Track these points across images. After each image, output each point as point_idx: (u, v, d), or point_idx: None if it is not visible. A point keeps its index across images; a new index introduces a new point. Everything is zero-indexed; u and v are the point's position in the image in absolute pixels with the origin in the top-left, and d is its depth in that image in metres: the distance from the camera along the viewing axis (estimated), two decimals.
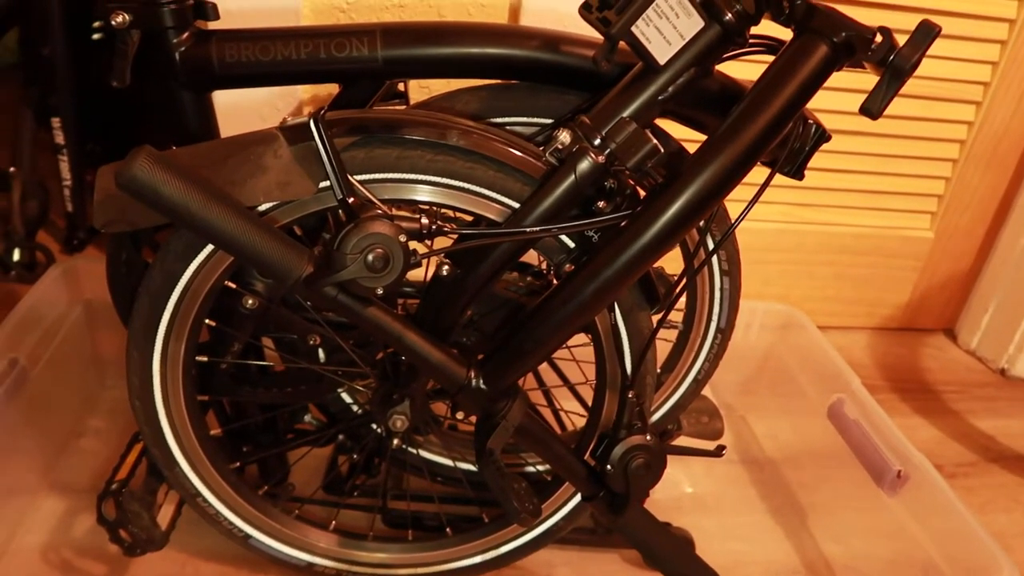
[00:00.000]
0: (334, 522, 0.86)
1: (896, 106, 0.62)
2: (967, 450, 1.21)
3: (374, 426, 0.90)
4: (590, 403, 0.79)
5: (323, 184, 0.64)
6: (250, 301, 0.75)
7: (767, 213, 1.34)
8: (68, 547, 0.87)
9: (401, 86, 0.80)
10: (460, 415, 0.73)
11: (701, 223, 0.79)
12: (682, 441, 0.98)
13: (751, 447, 1.16)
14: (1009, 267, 1.41)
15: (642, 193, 0.67)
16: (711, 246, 0.82)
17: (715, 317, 0.87)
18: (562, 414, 0.97)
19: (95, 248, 1.40)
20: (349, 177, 0.62)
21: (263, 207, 0.65)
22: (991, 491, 1.13)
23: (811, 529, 1.02)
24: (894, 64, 0.58)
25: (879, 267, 1.44)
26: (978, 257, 1.47)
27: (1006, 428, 1.27)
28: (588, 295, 0.66)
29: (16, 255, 1.28)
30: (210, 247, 0.67)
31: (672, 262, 0.78)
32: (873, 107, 0.59)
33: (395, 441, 0.88)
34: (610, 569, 0.93)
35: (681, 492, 1.07)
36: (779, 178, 0.68)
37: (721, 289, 0.85)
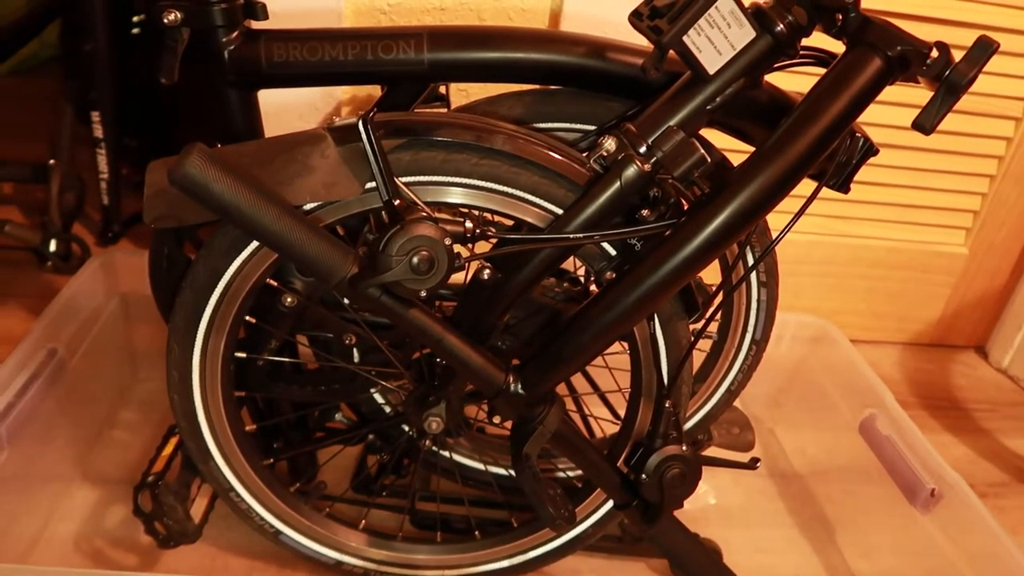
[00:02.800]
0: (363, 521, 0.86)
1: None
2: (998, 470, 1.20)
3: (405, 427, 0.91)
4: (620, 411, 0.79)
5: (369, 185, 0.64)
6: (289, 299, 0.76)
7: (801, 225, 1.29)
8: (100, 537, 0.88)
9: (443, 89, 0.81)
10: (496, 419, 0.73)
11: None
12: (712, 452, 0.98)
13: (779, 460, 1.15)
14: None
15: (685, 204, 0.67)
16: (751, 259, 0.82)
17: (751, 328, 0.86)
18: (592, 421, 0.97)
19: (129, 241, 1.42)
20: (395, 179, 0.62)
21: (308, 207, 0.66)
22: (1023, 512, 1.11)
23: (839, 545, 1.01)
24: (950, 79, 0.58)
25: (911, 282, 1.43)
26: (1012, 275, 1.45)
27: None
28: (630, 304, 0.65)
29: (52, 246, 1.29)
30: (254, 244, 0.67)
31: (709, 271, 0.78)
32: (927, 122, 0.59)
33: (426, 443, 0.89)
34: None
35: (707, 503, 1.06)
36: None
37: (758, 301, 0.85)
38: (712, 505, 1.06)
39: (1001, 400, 1.38)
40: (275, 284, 0.75)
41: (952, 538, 0.86)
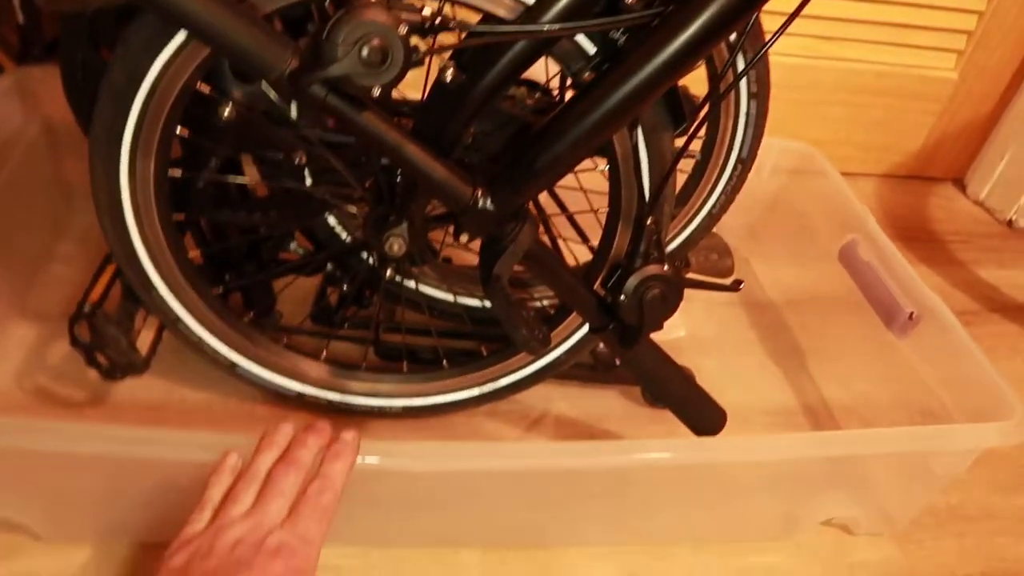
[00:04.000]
0: (325, 352, 0.82)
1: None
2: (970, 299, 1.19)
3: (365, 255, 0.85)
4: (591, 235, 0.73)
5: None
6: (227, 110, 0.67)
7: (786, 47, 1.24)
8: (43, 373, 0.83)
9: None
10: (463, 239, 0.67)
11: (732, 37, 0.71)
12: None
13: (754, 290, 1.12)
14: None
15: None
16: (742, 65, 0.74)
17: (737, 145, 0.80)
18: (562, 244, 0.92)
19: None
20: None
21: None
22: (992, 340, 1.12)
23: (812, 372, 1.01)
24: None
25: (896, 109, 1.37)
26: (1000, 102, 1.39)
27: (1010, 279, 1.24)
28: (611, 107, 0.58)
29: None
30: (179, 39, 0.58)
31: (696, 83, 0.71)
32: None
33: (388, 271, 0.83)
34: (610, 405, 0.91)
35: (679, 334, 1.04)
36: None
37: (747, 114, 0.78)
38: (685, 336, 1.04)
39: (977, 232, 1.36)
40: (209, 91, 0.66)
41: (927, 361, 0.85)
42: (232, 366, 0.77)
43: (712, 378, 0.94)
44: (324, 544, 0.53)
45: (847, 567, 0.80)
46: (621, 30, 0.59)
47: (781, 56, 1.26)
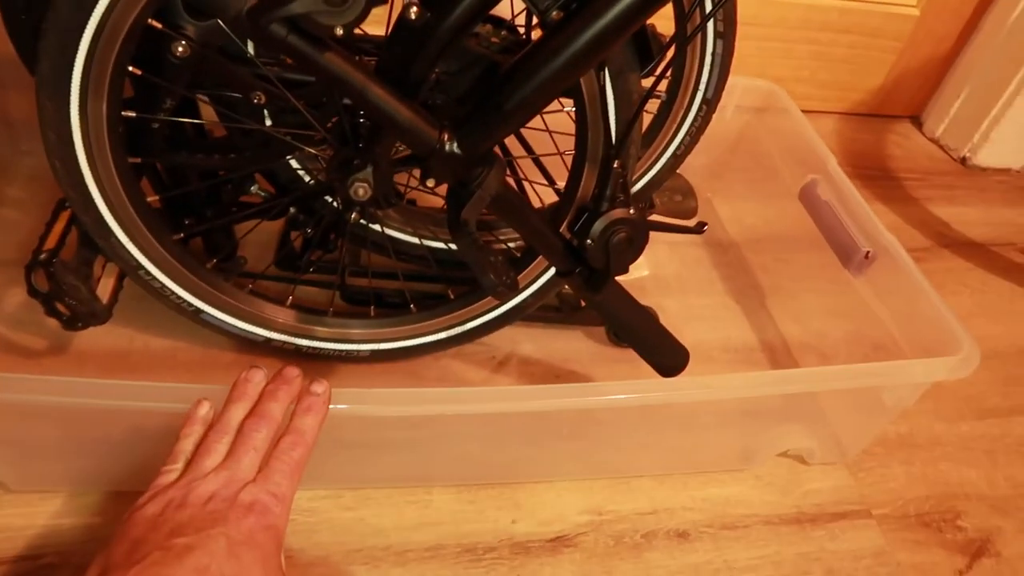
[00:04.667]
0: (291, 298, 0.81)
1: None
2: (922, 236, 1.23)
3: (329, 198, 0.84)
4: (557, 178, 0.73)
5: None
6: (180, 47, 0.64)
7: None
8: (0, 322, 0.81)
9: None
10: (429, 184, 0.66)
11: None
12: (654, 219, 0.95)
13: (716, 230, 1.14)
14: (990, 52, 1.35)
15: None
16: (709, 5, 0.73)
17: (703, 86, 0.80)
18: (528, 188, 0.91)
19: None
20: None
21: None
22: (942, 275, 1.15)
23: (771, 310, 1.03)
24: None
25: (859, 47, 1.37)
26: (960, 39, 1.40)
27: (961, 215, 1.28)
28: (579, 47, 0.57)
29: None
30: None
31: (663, 23, 0.70)
32: None
33: (353, 215, 0.82)
34: (575, 346, 0.93)
35: (642, 273, 1.05)
36: None
37: (713, 55, 0.77)
38: (648, 276, 1.05)
39: (932, 169, 1.39)
40: (161, 27, 0.63)
41: (881, 299, 0.87)
42: (197, 312, 0.76)
43: (675, 317, 0.97)
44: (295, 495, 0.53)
45: (801, 494, 0.84)
46: None
47: None
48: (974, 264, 1.18)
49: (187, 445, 0.54)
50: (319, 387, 0.58)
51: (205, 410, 0.57)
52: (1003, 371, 1.02)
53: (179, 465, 0.53)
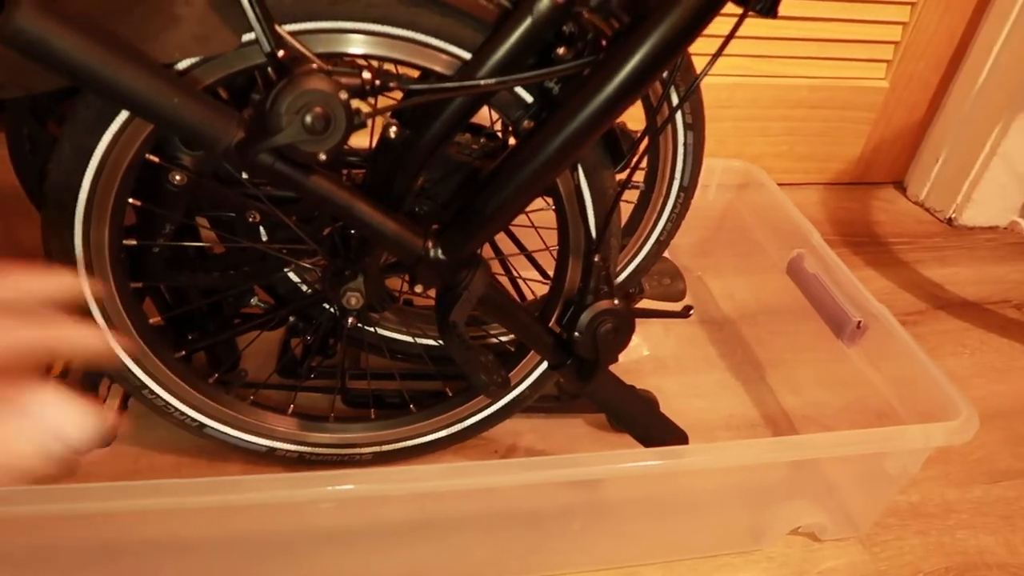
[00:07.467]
0: (292, 406, 0.83)
1: None
2: (916, 299, 1.24)
3: (326, 305, 0.86)
4: (550, 271, 0.75)
5: (247, 37, 0.56)
6: (178, 177, 0.68)
7: (724, 67, 1.28)
8: None
9: None
10: (419, 288, 0.69)
11: (664, 75, 0.74)
12: (645, 304, 0.97)
13: (709, 307, 1.16)
14: (961, 116, 1.40)
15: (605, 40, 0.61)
16: (675, 99, 0.77)
17: (678, 175, 0.83)
18: (522, 283, 0.94)
19: None
20: (277, 27, 0.54)
21: (182, 66, 0.57)
22: (938, 337, 1.16)
23: (770, 383, 1.04)
24: None
25: (833, 120, 1.42)
26: (931, 107, 1.45)
27: (953, 276, 1.29)
28: (551, 153, 0.61)
29: None
30: (125, 114, 0.59)
31: (633, 118, 0.73)
32: None
33: (350, 320, 0.84)
34: (576, 433, 0.93)
35: (641, 355, 1.07)
36: None
37: (685, 144, 0.81)
38: (646, 356, 1.07)
39: (919, 232, 1.42)
40: (158, 161, 0.67)
41: (877, 367, 0.88)
42: (200, 427, 0.77)
43: (674, 397, 0.97)
44: None
45: (817, 574, 0.82)
46: (555, 80, 0.62)
47: (720, 77, 1.31)
48: (970, 324, 1.19)
49: None
50: None
51: None
52: (1010, 431, 1.01)
53: None
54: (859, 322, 0.89)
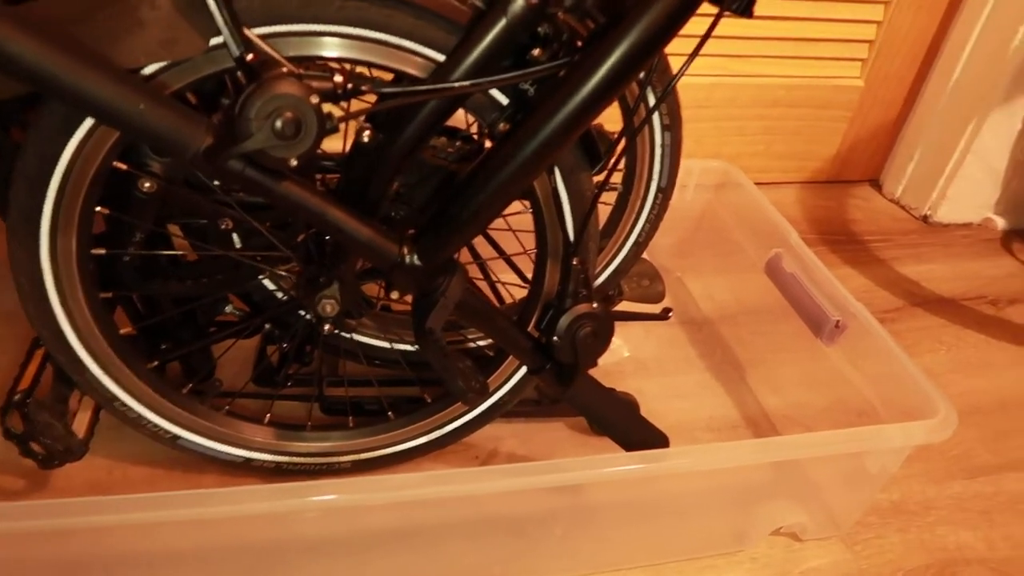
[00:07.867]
0: (269, 415, 0.81)
1: None
2: (894, 296, 1.25)
3: (302, 312, 0.85)
4: (529, 274, 0.75)
5: (215, 40, 0.55)
6: (147, 184, 0.67)
7: (701, 67, 1.29)
8: None
9: None
10: (395, 295, 0.68)
11: (641, 76, 0.74)
12: (624, 306, 0.97)
13: (689, 308, 1.16)
14: (936, 113, 1.41)
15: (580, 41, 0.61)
16: (652, 100, 0.77)
17: (656, 176, 0.83)
18: (500, 287, 0.93)
19: None
20: (246, 30, 0.53)
21: (149, 70, 0.56)
22: (916, 334, 1.17)
23: (750, 383, 1.04)
24: None
25: (809, 119, 1.42)
26: (906, 104, 1.46)
27: (929, 273, 1.30)
28: (527, 156, 0.60)
29: None
30: (90, 121, 0.58)
31: (610, 120, 0.73)
32: None
33: (326, 327, 0.83)
34: (557, 437, 0.92)
35: (621, 357, 1.06)
36: None
37: (662, 146, 0.81)
38: (626, 358, 1.06)
39: (895, 229, 1.43)
40: (127, 167, 0.65)
41: (856, 366, 0.88)
42: (174, 439, 0.76)
43: (655, 399, 0.97)
44: None
45: (799, 574, 0.82)
46: (531, 82, 0.61)
47: (698, 76, 1.31)
48: (947, 320, 1.20)
49: None
50: None
51: None
52: (988, 427, 1.02)
53: None
54: (838, 321, 0.89)
